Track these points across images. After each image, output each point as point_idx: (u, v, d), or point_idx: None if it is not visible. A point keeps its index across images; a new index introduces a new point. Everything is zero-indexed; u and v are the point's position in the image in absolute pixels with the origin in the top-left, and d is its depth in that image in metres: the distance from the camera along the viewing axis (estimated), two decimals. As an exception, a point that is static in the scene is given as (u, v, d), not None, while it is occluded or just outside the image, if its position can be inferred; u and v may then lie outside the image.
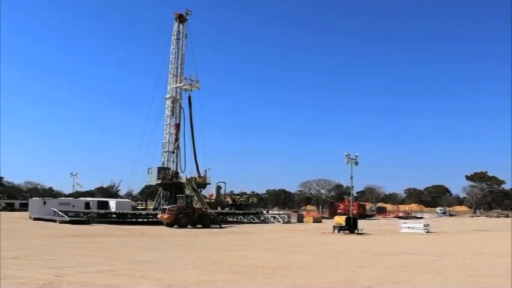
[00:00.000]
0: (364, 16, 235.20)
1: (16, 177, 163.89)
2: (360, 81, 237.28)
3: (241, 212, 68.31)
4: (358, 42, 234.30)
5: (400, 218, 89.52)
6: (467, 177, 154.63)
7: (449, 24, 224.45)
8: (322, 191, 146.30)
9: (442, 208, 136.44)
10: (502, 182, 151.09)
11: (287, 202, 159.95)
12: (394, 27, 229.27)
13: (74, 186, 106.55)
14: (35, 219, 55.52)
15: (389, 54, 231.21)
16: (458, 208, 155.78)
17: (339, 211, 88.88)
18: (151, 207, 69.61)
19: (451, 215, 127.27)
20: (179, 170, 70.80)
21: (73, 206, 60.62)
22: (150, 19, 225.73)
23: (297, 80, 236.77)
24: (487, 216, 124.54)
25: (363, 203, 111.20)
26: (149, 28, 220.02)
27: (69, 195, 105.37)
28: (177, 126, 70.96)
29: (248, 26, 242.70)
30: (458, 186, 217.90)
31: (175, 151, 70.67)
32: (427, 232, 46.05)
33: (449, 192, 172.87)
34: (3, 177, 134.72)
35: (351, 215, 46.82)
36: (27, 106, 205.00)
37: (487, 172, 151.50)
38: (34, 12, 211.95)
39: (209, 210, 57.78)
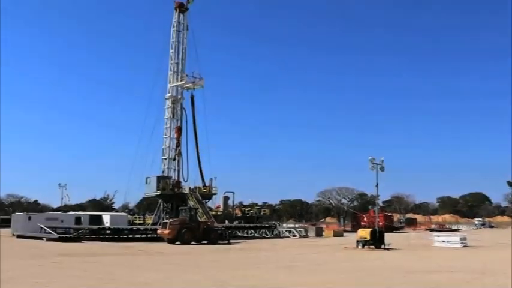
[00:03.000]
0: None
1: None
2: (386, 80, 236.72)
3: (252, 225, 68.16)
4: (381, 37, 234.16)
5: (432, 230, 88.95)
6: (510, 184, 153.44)
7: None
8: (343, 200, 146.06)
9: (480, 219, 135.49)
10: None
11: (304, 214, 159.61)
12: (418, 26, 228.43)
13: (62, 198, 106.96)
14: (18, 236, 55.63)
15: (417, 52, 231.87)
16: (499, 219, 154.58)
17: (362, 223, 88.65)
18: (150, 221, 69.69)
19: (491, 227, 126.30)
20: (181, 179, 71.03)
21: (62, 221, 60.70)
22: (146, 9, 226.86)
23: (316, 80, 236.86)
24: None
25: (390, 214, 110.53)
26: (145, 19, 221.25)
27: (57, 209, 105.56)
28: (179, 129, 71.13)
29: (258, 19, 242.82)
30: (499, 194, 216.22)
31: (176, 158, 70.83)
32: (464, 246, 45.74)
33: (489, 200, 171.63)
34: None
35: (376, 228, 46.47)
36: (7, 107, 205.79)
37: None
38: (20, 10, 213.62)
39: (216, 224, 57.78)
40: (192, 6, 74.16)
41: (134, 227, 60.93)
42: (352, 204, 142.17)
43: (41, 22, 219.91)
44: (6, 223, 78.82)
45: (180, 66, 72.87)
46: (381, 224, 67.64)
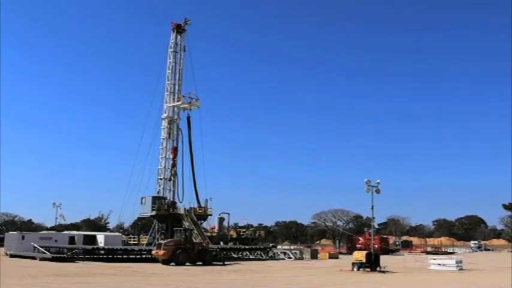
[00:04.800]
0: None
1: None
2: (382, 103, 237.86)
3: (247, 247, 67.88)
4: (374, 58, 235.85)
5: (428, 253, 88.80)
6: (505, 207, 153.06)
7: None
8: (338, 223, 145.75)
9: (476, 242, 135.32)
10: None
11: (299, 236, 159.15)
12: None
13: (56, 218, 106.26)
14: (11, 256, 55.33)
15: (417, 72, 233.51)
16: (495, 242, 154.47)
17: (358, 246, 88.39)
18: (145, 242, 69.35)
19: (487, 250, 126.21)
20: (176, 200, 70.79)
21: (56, 240, 60.42)
22: (144, 31, 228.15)
23: (312, 101, 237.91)
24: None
25: (385, 237, 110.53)
26: (142, 40, 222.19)
27: (51, 229, 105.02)
28: (175, 150, 71.05)
29: (255, 40, 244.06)
30: (494, 217, 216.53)
31: (172, 178, 70.63)
32: (459, 269, 45.63)
33: (485, 223, 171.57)
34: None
35: (372, 250, 46.44)
36: (3, 127, 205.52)
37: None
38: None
39: (210, 245, 57.54)
40: (189, 28, 74.66)
41: (129, 248, 60.60)
42: (347, 227, 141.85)
43: (39, 43, 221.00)
44: (-1, 242, 78.44)
45: (176, 86, 73.04)
46: (376, 246, 67.55)
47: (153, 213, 67.62)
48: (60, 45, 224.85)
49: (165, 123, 71.68)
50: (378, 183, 47.02)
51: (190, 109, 71.97)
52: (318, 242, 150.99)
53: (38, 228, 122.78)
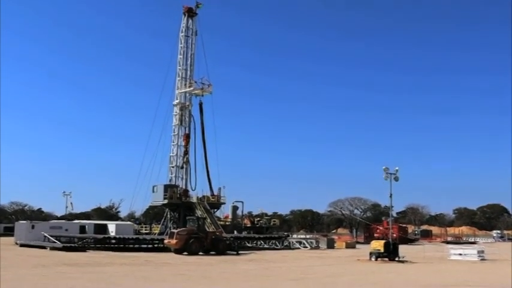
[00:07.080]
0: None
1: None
2: (398, 95, 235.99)
3: (261, 236, 68.02)
4: (395, 50, 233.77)
5: (448, 243, 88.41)
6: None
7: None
8: (356, 211, 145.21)
9: (498, 231, 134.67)
10: None
11: (315, 224, 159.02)
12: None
13: (67, 207, 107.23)
14: (21, 245, 55.83)
15: (442, 64, 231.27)
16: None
17: (376, 235, 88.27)
18: (157, 231, 69.65)
19: (510, 240, 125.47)
20: (189, 188, 70.95)
21: (66, 230, 60.85)
22: (154, 14, 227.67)
23: (327, 94, 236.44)
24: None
25: (404, 226, 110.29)
26: (154, 24, 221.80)
27: (62, 218, 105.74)
28: (187, 137, 71.10)
29: (272, 30, 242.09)
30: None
31: (184, 166, 70.80)
32: (481, 260, 45.36)
33: (508, 212, 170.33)
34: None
35: (390, 240, 46.37)
36: (8, 116, 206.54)
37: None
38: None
39: (224, 234, 57.69)
40: (200, 11, 74.29)
41: (140, 237, 60.94)
42: (365, 215, 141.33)
43: (43, 36, 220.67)
44: (9, 231, 79.26)
45: (188, 72, 72.79)
46: (395, 235, 67.34)
47: (165, 201, 67.86)
48: (64, 38, 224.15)
49: (176, 110, 71.66)
50: (397, 170, 46.86)
51: (202, 95, 71.75)
52: (334, 231, 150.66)
53: (47, 217, 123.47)
